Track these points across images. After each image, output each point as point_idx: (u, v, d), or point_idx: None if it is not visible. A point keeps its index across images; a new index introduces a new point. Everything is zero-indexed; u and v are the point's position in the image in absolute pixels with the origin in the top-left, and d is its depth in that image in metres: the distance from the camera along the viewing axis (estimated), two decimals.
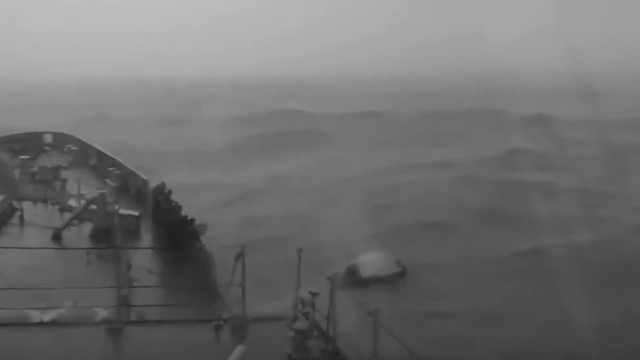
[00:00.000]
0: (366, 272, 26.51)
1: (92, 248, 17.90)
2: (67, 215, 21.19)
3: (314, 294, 10.21)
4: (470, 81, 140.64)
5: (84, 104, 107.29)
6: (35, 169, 28.05)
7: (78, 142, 34.04)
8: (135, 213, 21.05)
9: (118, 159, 29.22)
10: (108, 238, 18.41)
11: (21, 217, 21.34)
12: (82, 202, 21.53)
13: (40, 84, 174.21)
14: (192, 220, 18.53)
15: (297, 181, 47.27)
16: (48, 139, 35.80)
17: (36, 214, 22.13)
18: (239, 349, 9.74)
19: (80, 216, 20.49)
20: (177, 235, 17.97)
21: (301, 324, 10.21)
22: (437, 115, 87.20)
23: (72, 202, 22.69)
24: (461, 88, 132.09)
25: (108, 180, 27.30)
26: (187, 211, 19.35)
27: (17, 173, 26.60)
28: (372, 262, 27.16)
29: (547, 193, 40.73)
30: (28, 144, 33.58)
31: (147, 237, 20.04)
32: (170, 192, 20.57)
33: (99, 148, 32.06)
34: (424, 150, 61.03)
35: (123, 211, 20.48)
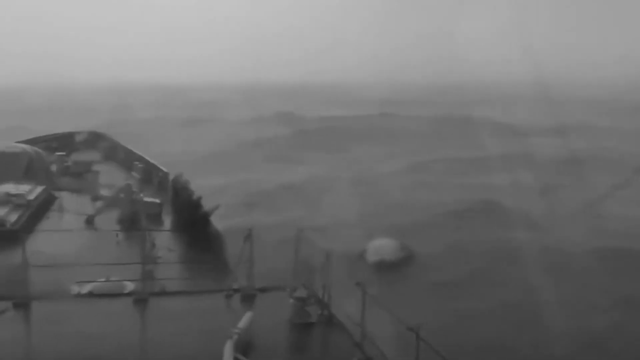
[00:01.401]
0: (374, 256, 26.45)
1: (120, 230, 18.04)
2: (99, 203, 21.26)
3: (310, 267, 10.36)
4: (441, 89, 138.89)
5: (113, 106, 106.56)
6: (69, 163, 28.15)
7: (107, 139, 34.05)
8: (157, 200, 21.15)
9: (142, 154, 29.23)
10: (134, 222, 18.53)
11: (59, 205, 21.43)
12: (111, 191, 21.64)
13: (72, 88, 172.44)
14: (200, 198, 18.48)
15: (307, 175, 46.62)
16: (81, 137, 35.76)
17: (72, 202, 22.21)
18: (247, 315, 9.85)
19: (110, 203, 20.60)
20: (192, 218, 18.06)
21: (300, 292, 10.36)
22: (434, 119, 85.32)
23: (102, 192, 22.78)
24: (436, 95, 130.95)
25: (133, 173, 27.32)
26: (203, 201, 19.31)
27: (54, 167, 26.67)
28: (380, 248, 27.01)
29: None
30: (63, 142, 33.50)
31: (167, 221, 20.16)
32: (187, 181, 20.62)
33: (126, 145, 32.05)
34: (423, 149, 60.14)
35: (147, 199, 20.60)
